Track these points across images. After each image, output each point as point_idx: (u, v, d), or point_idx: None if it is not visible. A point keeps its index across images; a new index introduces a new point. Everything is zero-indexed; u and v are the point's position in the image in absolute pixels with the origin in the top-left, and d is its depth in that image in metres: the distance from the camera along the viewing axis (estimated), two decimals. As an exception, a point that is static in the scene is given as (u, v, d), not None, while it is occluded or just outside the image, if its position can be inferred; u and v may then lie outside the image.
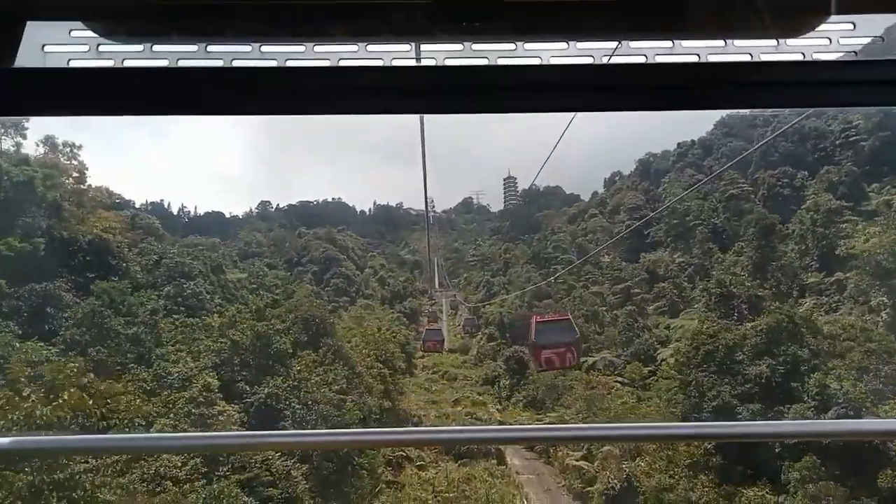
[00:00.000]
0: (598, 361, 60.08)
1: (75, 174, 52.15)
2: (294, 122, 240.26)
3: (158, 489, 24.80)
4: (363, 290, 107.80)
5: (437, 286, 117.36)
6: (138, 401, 29.83)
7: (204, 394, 29.51)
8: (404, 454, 47.27)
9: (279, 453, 27.48)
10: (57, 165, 49.21)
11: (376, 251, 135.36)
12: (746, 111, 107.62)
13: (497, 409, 64.37)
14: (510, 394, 68.00)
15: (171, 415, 29.34)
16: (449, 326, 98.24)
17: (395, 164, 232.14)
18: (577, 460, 48.92)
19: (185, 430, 28.07)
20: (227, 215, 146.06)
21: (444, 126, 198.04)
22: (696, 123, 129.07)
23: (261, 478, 27.61)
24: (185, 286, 46.63)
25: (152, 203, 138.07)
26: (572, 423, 51.98)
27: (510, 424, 65.57)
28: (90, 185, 52.48)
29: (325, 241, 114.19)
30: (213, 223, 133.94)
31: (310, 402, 33.55)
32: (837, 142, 76.19)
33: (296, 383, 34.88)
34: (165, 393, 31.43)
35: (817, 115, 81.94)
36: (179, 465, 25.80)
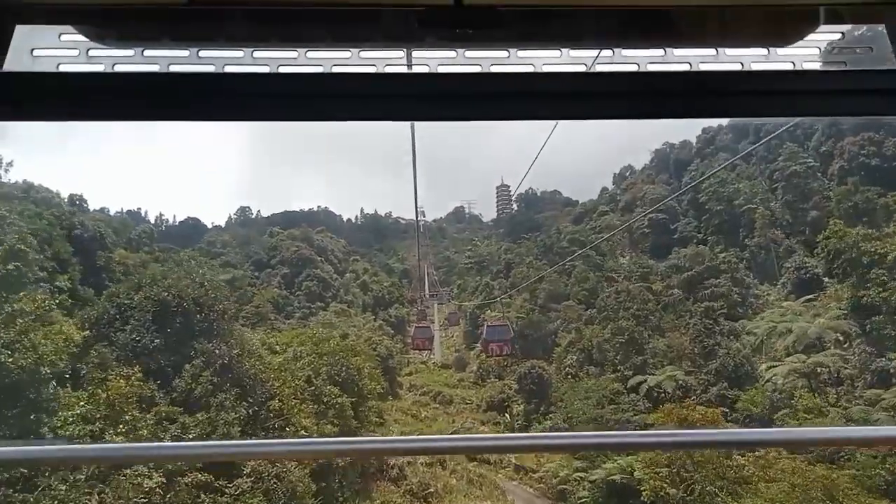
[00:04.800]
0: (664, 382, 37.60)
1: None
2: (283, 132, 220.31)
3: None
4: (342, 295, 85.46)
5: (427, 292, 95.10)
6: None
7: None
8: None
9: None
10: None
11: (361, 258, 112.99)
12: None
13: (511, 447, 41.97)
14: (527, 424, 46.23)
15: None
16: (441, 338, 77.06)
17: (384, 175, 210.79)
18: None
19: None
20: (210, 225, 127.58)
21: (436, 136, 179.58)
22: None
23: None
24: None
25: (128, 211, 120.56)
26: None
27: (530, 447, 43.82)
28: None
29: (300, 240, 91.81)
30: (191, 230, 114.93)
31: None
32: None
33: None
34: None
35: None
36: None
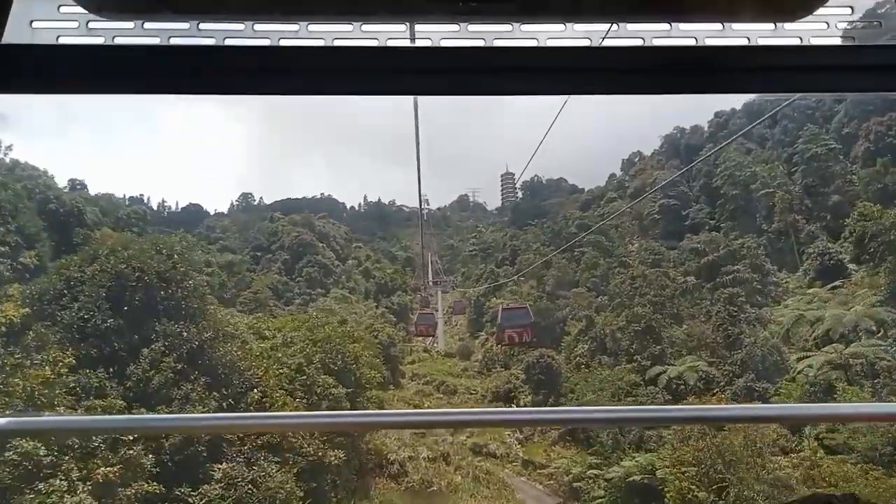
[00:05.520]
0: (686, 373, 34.71)
1: None
2: (288, 121, 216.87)
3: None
4: (343, 282, 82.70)
5: (430, 280, 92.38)
6: None
7: None
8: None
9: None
10: None
11: (364, 245, 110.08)
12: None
13: (518, 440, 40.21)
14: (536, 417, 42.88)
15: None
16: (444, 326, 74.43)
17: (388, 164, 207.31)
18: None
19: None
20: (212, 212, 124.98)
21: (440, 125, 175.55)
22: (723, 97, 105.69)
23: None
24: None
25: (131, 197, 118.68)
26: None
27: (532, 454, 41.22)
28: None
29: (301, 226, 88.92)
30: (192, 216, 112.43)
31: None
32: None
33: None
34: None
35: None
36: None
